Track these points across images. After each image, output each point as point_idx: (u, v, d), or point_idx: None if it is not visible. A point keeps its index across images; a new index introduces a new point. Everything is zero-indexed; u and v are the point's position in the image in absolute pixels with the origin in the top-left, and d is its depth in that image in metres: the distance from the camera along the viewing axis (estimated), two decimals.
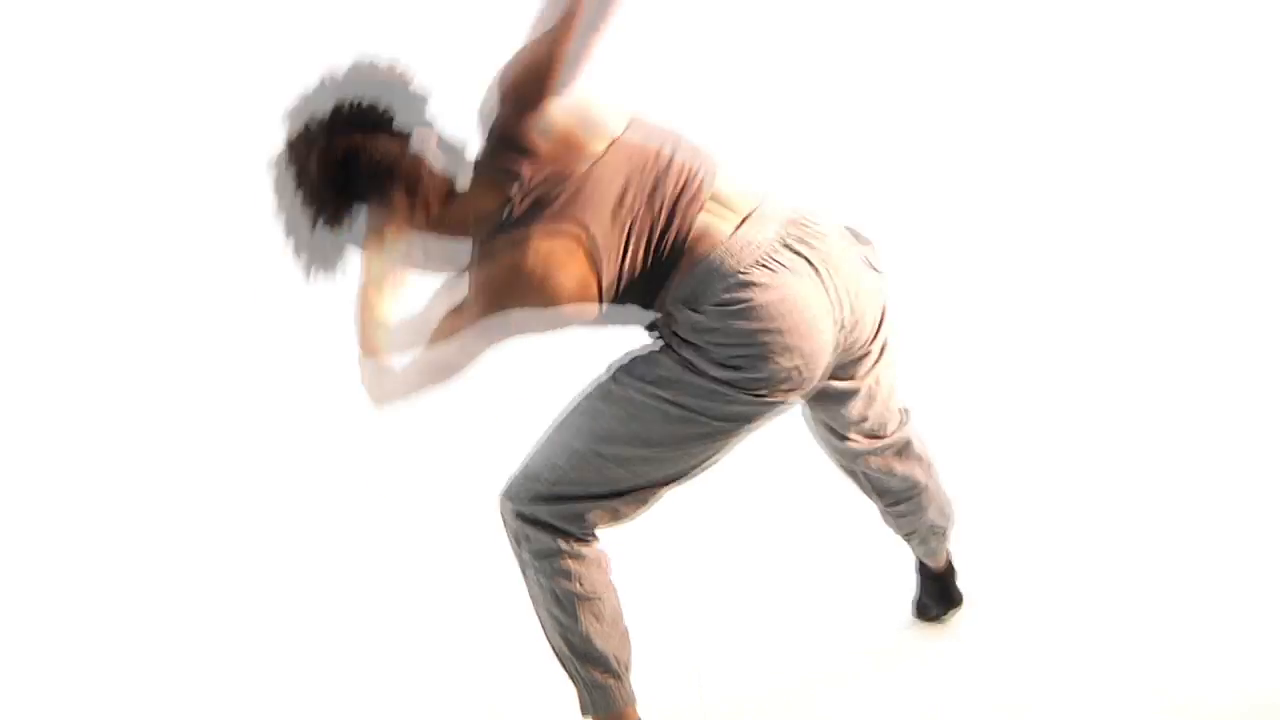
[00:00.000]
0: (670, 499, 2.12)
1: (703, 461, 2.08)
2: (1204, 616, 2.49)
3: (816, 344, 1.97)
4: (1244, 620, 2.46)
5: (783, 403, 2.00)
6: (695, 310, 1.96)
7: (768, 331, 1.94)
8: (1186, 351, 3.69)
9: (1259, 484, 2.96)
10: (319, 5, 4.68)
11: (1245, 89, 4.61)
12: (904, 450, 2.28)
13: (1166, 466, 3.10)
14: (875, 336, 2.08)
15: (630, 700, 2.15)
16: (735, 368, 1.96)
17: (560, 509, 2.08)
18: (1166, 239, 4.34)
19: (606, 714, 2.14)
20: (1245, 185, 4.48)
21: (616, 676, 2.13)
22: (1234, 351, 3.63)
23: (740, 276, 1.94)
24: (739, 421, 2.01)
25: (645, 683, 2.19)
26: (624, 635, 2.14)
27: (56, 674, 2.54)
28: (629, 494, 2.08)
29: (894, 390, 2.21)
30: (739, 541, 2.93)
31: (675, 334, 2.00)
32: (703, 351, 1.97)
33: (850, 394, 2.13)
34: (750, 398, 1.97)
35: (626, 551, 2.21)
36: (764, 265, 1.96)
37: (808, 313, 1.96)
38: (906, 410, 2.28)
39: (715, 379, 1.97)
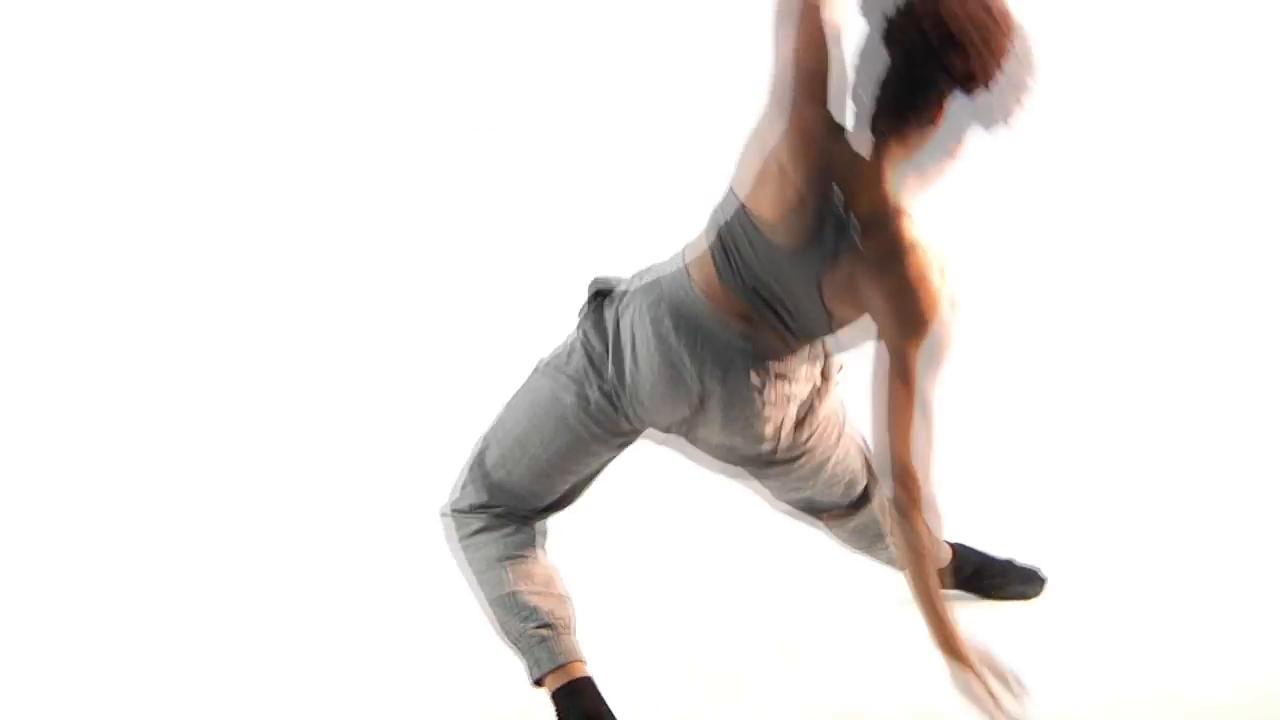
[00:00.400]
0: (662, 496, 2.12)
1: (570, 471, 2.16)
2: (1202, 612, 2.50)
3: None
4: (1242, 616, 2.46)
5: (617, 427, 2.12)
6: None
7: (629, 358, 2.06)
8: (1182, 352, 3.70)
9: (1256, 481, 2.97)
10: (319, 6, 4.68)
11: (1245, 93, 4.62)
12: (857, 526, 2.34)
13: (1165, 463, 3.10)
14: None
15: (572, 654, 2.10)
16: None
17: (490, 501, 2.17)
18: (1165, 245, 4.34)
19: (551, 668, 2.08)
20: (1243, 190, 4.49)
21: (553, 629, 2.10)
22: (1230, 352, 3.64)
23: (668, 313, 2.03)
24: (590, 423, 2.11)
25: (638, 681, 2.19)
26: (562, 598, 2.13)
27: (56, 674, 2.54)
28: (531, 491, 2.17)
29: (828, 477, 2.24)
30: (735, 535, 2.94)
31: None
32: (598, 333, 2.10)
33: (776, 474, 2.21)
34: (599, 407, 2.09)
35: (621, 549, 2.21)
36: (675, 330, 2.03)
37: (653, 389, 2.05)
38: (854, 486, 2.27)
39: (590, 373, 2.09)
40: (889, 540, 2.35)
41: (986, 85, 1.84)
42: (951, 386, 3.60)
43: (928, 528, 1.96)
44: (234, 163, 4.63)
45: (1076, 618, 2.53)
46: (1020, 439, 3.34)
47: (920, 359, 1.92)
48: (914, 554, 1.95)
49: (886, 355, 1.94)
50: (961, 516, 2.94)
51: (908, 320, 1.90)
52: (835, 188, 1.89)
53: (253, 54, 4.63)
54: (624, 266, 2.24)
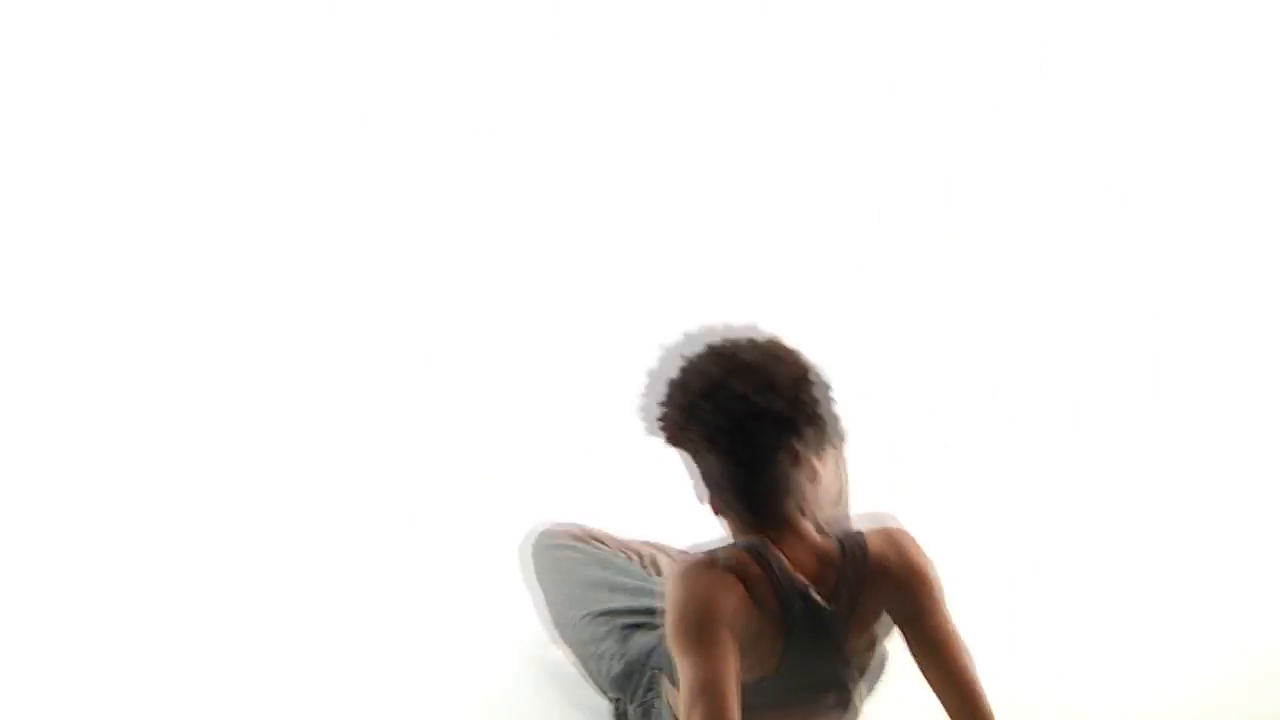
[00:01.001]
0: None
1: None
2: (1185, 617, 2.49)
3: None
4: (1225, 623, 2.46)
5: None
6: None
7: None
8: (1170, 356, 3.70)
9: (1242, 488, 2.97)
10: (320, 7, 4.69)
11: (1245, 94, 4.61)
12: None
13: (1153, 469, 3.11)
14: None
15: None
16: None
17: None
18: (1163, 246, 4.34)
19: None
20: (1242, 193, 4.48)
21: None
22: (1217, 359, 3.64)
23: None
24: None
25: None
26: None
27: (56, 674, 2.54)
28: None
29: None
30: None
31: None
32: None
33: None
34: None
35: None
36: None
37: None
38: None
39: None
40: None
41: (804, 431, 1.86)
42: (948, 387, 3.61)
43: None
44: (234, 163, 4.62)
45: (1060, 621, 2.53)
46: (1012, 446, 3.34)
47: (941, 607, 1.93)
48: None
49: (918, 636, 1.93)
50: (957, 519, 2.95)
51: (919, 595, 1.92)
52: (812, 595, 1.89)
53: (253, 54, 4.62)
54: (624, 266, 2.24)
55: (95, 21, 4.56)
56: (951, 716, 1.93)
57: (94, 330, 4.16)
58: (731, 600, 1.84)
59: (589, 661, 2.32)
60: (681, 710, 1.81)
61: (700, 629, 1.81)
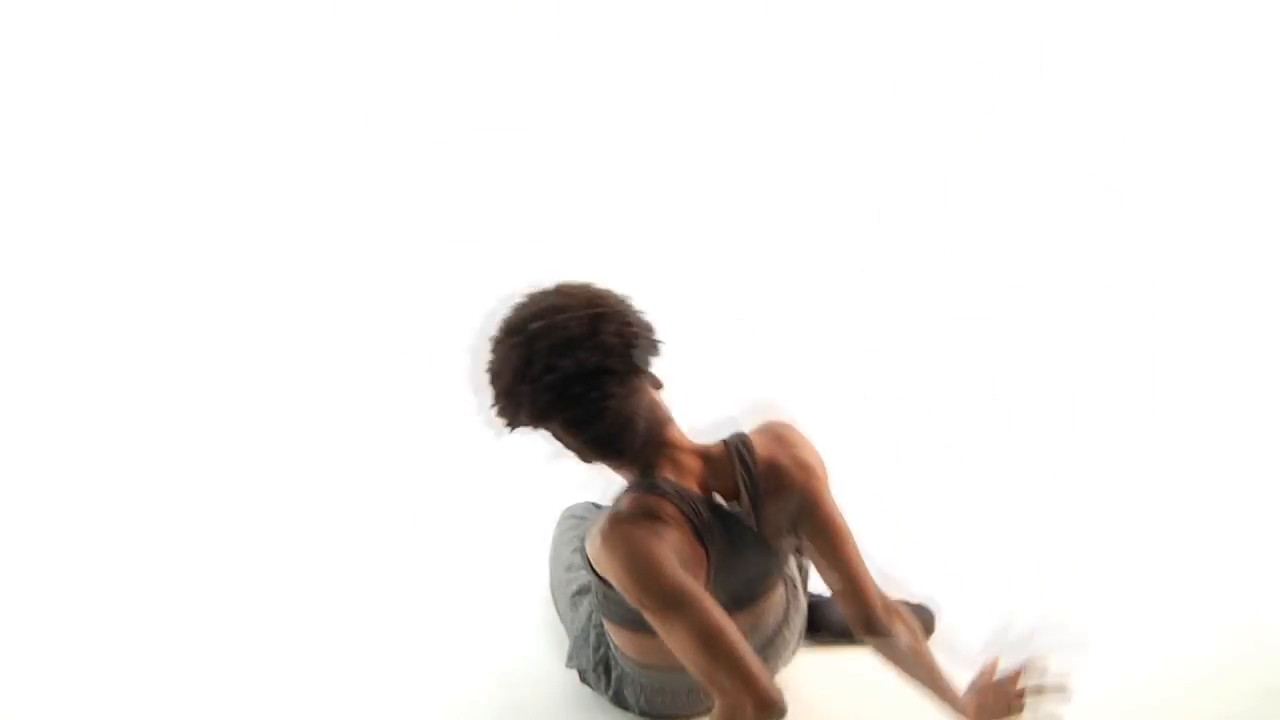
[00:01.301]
0: None
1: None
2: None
3: None
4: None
5: None
6: None
7: None
8: (1174, 358, 3.70)
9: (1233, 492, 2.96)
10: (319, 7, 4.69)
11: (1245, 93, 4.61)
12: None
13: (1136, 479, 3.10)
14: None
15: None
16: None
17: None
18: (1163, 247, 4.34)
19: None
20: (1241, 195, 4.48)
21: None
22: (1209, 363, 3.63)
23: None
24: None
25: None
26: None
27: (56, 674, 2.54)
28: None
29: None
30: None
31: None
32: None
33: None
34: None
35: None
36: None
37: None
38: None
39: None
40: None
41: (624, 364, 1.84)
42: (948, 387, 3.61)
43: (905, 624, 2.00)
44: (235, 163, 4.63)
45: (1060, 621, 2.53)
46: (1012, 446, 3.34)
47: (830, 497, 1.98)
48: (920, 648, 1.98)
49: (811, 526, 1.97)
50: (957, 520, 2.95)
51: (809, 487, 1.96)
52: (716, 501, 1.93)
53: (254, 55, 4.63)
54: (623, 266, 2.24)
55: (95, 22, 4.56)
56: (843, 605, 1.96)
57: (95, 332, 4.16)
58: (662, 543, 1.85)
59: (567, 630, 2.37)
60: (693, 665, 1.81)
61: (662, 586, 1.83)
